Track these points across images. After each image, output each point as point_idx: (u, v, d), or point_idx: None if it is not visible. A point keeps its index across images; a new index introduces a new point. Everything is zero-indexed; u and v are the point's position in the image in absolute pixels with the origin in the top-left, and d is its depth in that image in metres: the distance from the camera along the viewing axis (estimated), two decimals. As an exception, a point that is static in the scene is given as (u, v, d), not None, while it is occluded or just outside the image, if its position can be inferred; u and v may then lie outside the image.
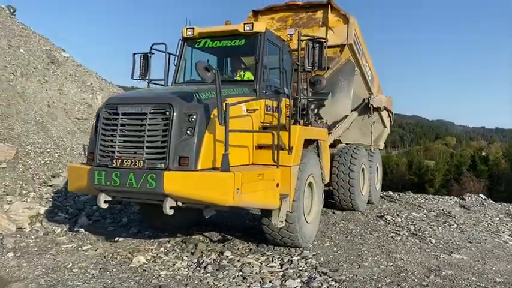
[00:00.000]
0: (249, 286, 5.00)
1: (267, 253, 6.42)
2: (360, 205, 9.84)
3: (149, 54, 7.14)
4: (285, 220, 6.19)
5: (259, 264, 5.82)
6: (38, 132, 10.73)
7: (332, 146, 10.53)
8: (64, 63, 13.80)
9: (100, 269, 5.31)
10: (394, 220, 9.02)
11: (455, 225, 8.72)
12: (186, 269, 5.56)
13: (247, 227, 8.05)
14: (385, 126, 13.04)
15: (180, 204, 5.05)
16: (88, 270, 5.21)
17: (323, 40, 6.32)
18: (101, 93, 14.15)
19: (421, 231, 7.99)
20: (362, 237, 7.42)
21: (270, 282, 5.16)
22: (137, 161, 5.03)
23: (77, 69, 14.23)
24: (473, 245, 7.10)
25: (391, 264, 5.87)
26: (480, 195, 13.84)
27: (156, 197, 5.02)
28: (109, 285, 4.78)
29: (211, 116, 5.14)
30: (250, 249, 6.65)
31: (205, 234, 7.36)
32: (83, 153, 7.47)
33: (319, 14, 9.23)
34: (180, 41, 7.14)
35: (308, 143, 7.12)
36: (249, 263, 5.85)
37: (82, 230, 7.20)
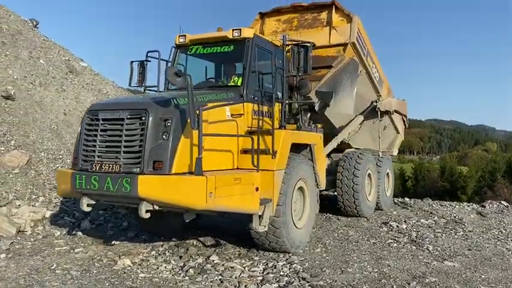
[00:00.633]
0: (222, 290, 5.02)
1: (255, 258, 6.43)
2: (365, 211, 9.66)
3: (145, 62, 7.31)
4: (271, 225, 6.19)
5: (242, 269, 5.83)
6: (52, 139, 11.13)
7: (340, 151, 10.46)
8: (82, 72, 14.31)
9: (83, 270, 5.47)
10: (398, 227, 8.81)
11: (462, 233, 8.42)
12: (168, 272, 5.64)
13: (243, 232, 8.04)
14: (398, 132, 12.77)
15: (156, 207, 5.13)
16: (70, 272, 5.37)
17: (308, 44, 6.30)
18: (118, 101, 14.53)
19: (421, 238, 7.77)
20: (357, 244, 7.29)
21: (245, 286, 5.17)
22: (114, 165, 5.17)
23: (94, 78, 14.72)
24: (471, 253, 6.84)
25: (376, 270, 5.75)
26: (502, 202, 13.29)
27: (132, 200, 5.13)
28: (84, 285, 4.91)
29: (188, 121, 5.21)
30: (240, 253, 6.67)
31: (200, 238, 7.42)
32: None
33: (323, 15, 9.29)
34: (173, 48, 7.28)
35: (299, 147, 7.10)
36: (232, 267, 5.87)
37: (80, 233, 7.42)
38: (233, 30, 6.65)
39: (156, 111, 5.14)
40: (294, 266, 5.94)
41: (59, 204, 8.77)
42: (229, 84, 7.01)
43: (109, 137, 5.33)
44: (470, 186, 37.04)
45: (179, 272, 5.67)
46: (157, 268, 5.80)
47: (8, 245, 6.38)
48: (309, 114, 7.41)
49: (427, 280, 5.32)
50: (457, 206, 12.29)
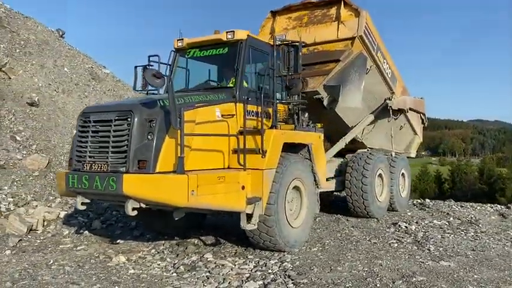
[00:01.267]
0: (205, 285, 5.12)
1: (249, 256, 6.50)
2: (375, 212, 9.52)
3: (148, 66, 7.54)
4: (264, 224, 6.25)
5: (233, 266, 5.93)
6: (72, 143, 11.62)
7: (353, 151, 10.37)
8: (104, 79, 14.86)
9: (77, 266, 5.73)
10: (406, 227, 8.62)
11: (472, 233, 8.16)
12: (159, 269, 5.81)
13: (244, 231, 8.12)
14: (415, 133, 12.47)
15: (143, 205, 5.31)
16: (65, 267, 5.64)
17: (297, 44, 6.33)
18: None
19: (426, 238, 7.59)
20: (357, 244, 7.21)
21: (229, 283, 5.25)
22: (103, 164, 5.39)
23: (116, 84, 15.24)
24: (474, 253, 6.63)
25: (366, 269, 5.69)
26: (530, 203, 12.74)
27: (118, 198, 5.33)
28: (72, 279, 5.15)
29: None
30: (236, 252, 6.76)
31: (202, 237, 7.57)
32: None
33: (332, 10, 9.38)
34: (172, 52, 7.48)
35: (296, 147, 7.13)
36: (223, 265, 5.97)
37: (87, 232, 7.72)
38: (227, 32, 6.77)
39: (141, 112, 5.33)
40: (284, 264, 5.97)
41: (74, 205, 9.14)
42: (228, 85, 7.13)
43: (99, 138, 5.57)
44: (510, 188, 35.51)
45: (170, 269, 5.83)
46: (151, 265, 5.99)
47: (15, 242, 6.75)
48: (306, 114, 7.40)
49: (414, 279, 5.22)
50: (478, 208, 11.87)
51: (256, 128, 6.35)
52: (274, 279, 5.35)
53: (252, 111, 6.67)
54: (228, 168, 6.13)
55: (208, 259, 6.28)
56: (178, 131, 5.18)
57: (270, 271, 5.69)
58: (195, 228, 7.97)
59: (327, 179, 9.68)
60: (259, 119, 6.67)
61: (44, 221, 8.08)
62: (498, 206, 12.57)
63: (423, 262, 6.04)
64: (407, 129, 12.06)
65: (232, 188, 5.60)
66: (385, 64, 10.22)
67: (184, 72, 7.53)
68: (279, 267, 5.87)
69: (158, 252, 6.76)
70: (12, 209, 8.40)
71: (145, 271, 5.64)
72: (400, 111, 11.00)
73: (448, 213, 10.53)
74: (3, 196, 8.82)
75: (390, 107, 10.41)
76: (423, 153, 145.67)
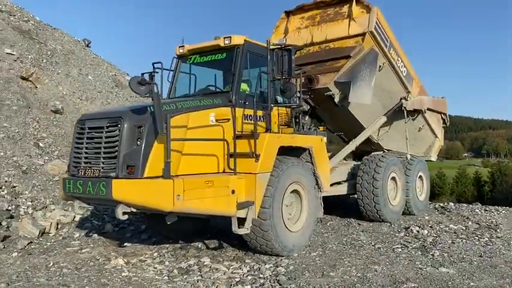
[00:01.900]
0: (191, 289, 5.18)
1: (247, 260, 6.52)
2: (388, 216, 9.31)
3: (153, 73, 7.73)
4: (259, 228, 6.26)
5: (226, 270, 5.97)
6: (93, 149, 12.02)
7: (367, 153, 10.21)
8: (127, 86, 15.29)
9: (74, 268, 5.92)
10: (418, 232, 8.38)
11: (486, 239, 7.83)
12: (153, 272, 5.92)
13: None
14: (435, 136, 12.08)
15: (133, 210, 5.43)
16: (62, 270, 5.84)
17: (290, 47, 6.32)
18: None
19: (434, 243, 7.35)
20: (359, 248, 7.08)
21: (216, 287, 5.29)
22: (95, 170, 5.57)
23: (138, 90, 15.64)
24: (480, 259, 6.37)
25: (359, 275, 5.59)
26: None
27: (109, 202, 5.49)
28: (65, 281, 5.33)
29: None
30: (235, 256, 6.79)
31: (206, 241, 7.65)
32: None
33: (345, 8, 9.40)
34: (175, 59, 7.63)
35: (296, 150, 7.09)
36: (217, 269, 6.03)
37: (96, 235, 7.96)
38: (224, 38, 6.84)
39: (130, 118, 5.47)
40: (278, 269, 5.95)
41: (90, 208, 9.44)
42: (225, 90, 7.18)
43: (93, 144, 5.75)
44: (555, 191, 33.71)
45: (164, 272, 5.92)
46: (147, 268, 6.11)
47: (24, 244, 7.05)
48: (307, 117, 7.37)
49: (405, 286, 5.09)
50: (503, 212, 11.34)
51: (251, 132, 6.37)
52: (263, 283, 5.35)
53: (250, 115, 6.69)
54: (223, 172, 6.17)
55: (205, 263, 6.34)
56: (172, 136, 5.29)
57: (261, 275, 5.69)
58: (200, 231, 8.06)
59: (339, 183, 9.62)
60: (254, 122, 6.67)
61: (57, 224, 8.39)
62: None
63: (421, 268, 5.86)
64: (426, 131, 11.71)
65: (221, 192, 5.64)
66: (399, 62, 10.03)
67: (188, 78, 7.66)
68: (272, 271, 5.86)
69: (160, 256, 6.89)
70: (30, 212, 8.80)
71: (138, 274, 5.76)
72: (416, 111, 10.73)
73: (467, 217, 10.14)
74: (23, 200, 9.25)
75: (404, 107, 10.16)
76: (465, 154, 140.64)
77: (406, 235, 8.15)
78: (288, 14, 10.19)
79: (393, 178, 9.69)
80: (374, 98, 9.19)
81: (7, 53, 13.20)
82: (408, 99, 10.33)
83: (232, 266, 6.21)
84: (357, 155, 11.23)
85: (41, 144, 11.26)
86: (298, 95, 7.03)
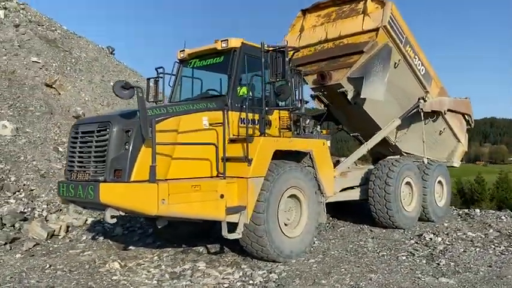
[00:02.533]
0: (176, 294, 5.13)
1: (243, 266, 6.41)
2: (402, 222, 8.94)
3: (157, 79, 7.81)
4: (254, 233, 6.14)
5: (217, 276, 5.89)
6: (111, 153, 12.26)
7: (383, 156, 9.90)
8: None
9: (68, 271, 6.00)
10: (431, 239, 7.99)
11: (503, 248, 7.37)
12: (144, 276, 5.91)
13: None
14: (458, 140, 11.53)
15: (122, 213, 5.45)
16: (57, 272, 5.94)
17: (284, 49, 6.19)
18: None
19: (444, 252, 6.98)
20: (362, 256, 6.83)
21: (202, 292, 5.22)
22: (86, 173, 5.63)
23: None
24: (488, 269, 5.99)
25: (352, 284, 5.38)
26: None
27: (98, 206, 5.53)
28: (54, 283, 5.41)
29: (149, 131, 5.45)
30: (233, 261, 6.70)
31: (208, 246, 7.59)
32: None
33: (360, 5, 9.25)
34: (176, 63, 7.65)
35: (296, 154, 6.94)
36: (209, 274, 5.97)
37: (101, 238, 8.07)
38: (221, 41, 6.80)
39: (119, 123, 5.50)
40: (271, 275, 5.82)
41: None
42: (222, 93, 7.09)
43: (85, 148, 5.83)
44: None
45: (155, 277, 5.90)
46: (140, 272, 6.11)
47: (30, 246, 7.23)
48: (308, 120, 7.19)
49: (395, 296, 4.84)
50: (532, 218, 10.69)
51: (246, 136, 6.27)
52: (250, 290, 5.23)
53: (248, 119, 6.60)
54: (214, 177, 6.11)
55: (199, 268, 6.29)
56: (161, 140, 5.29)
57: (251, 282, 5.58)
58: (204, 236, 8.01)
59: (352, 187, 9.34)
60: (252, 126, 6.58)
61: (68, 227, 8.58)
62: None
63: (420, 278, 5.57)
64: (448, 135, 11.20)
65: (209, 196, 5.57)
66: (416, 60, 9.68)
67: (190, 82, 7.67)
68: (264, 278, 5.74)
69: (159, 259, 6.89)
70: (44, 215, 9.05)
71: (128, 278, 5.77)
72: (435, 113, 10.30)
73: (489, 225, 9.59)
74: (39, 203, 9.52)
75: (421, 108, 9.78)
76: (511, 158, 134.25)
77: (416, 242, 7.80)
78: (304, 12, 10.11)
79: (408, 183, 9.31)
80: (389, 95, 8.92)
81: (33, 61, 13.71)
82: (426, 99, 9.95)
83: (225, 271, 6.12)
84: (375, 158, 10.91)
85: (60, 149, 11.58)
86: (298, 98, 6.89)
